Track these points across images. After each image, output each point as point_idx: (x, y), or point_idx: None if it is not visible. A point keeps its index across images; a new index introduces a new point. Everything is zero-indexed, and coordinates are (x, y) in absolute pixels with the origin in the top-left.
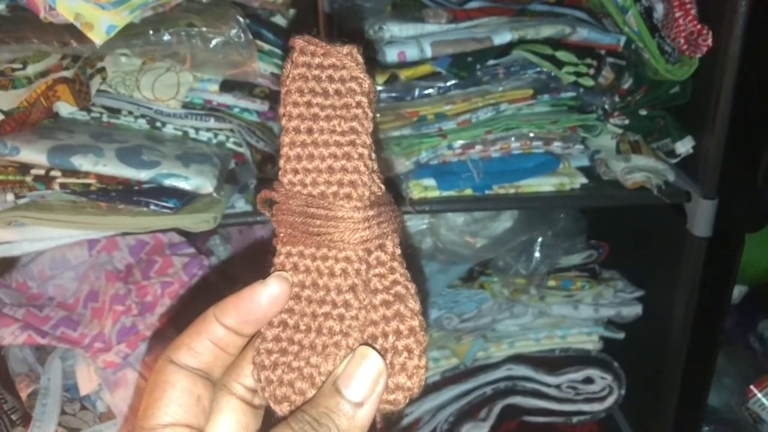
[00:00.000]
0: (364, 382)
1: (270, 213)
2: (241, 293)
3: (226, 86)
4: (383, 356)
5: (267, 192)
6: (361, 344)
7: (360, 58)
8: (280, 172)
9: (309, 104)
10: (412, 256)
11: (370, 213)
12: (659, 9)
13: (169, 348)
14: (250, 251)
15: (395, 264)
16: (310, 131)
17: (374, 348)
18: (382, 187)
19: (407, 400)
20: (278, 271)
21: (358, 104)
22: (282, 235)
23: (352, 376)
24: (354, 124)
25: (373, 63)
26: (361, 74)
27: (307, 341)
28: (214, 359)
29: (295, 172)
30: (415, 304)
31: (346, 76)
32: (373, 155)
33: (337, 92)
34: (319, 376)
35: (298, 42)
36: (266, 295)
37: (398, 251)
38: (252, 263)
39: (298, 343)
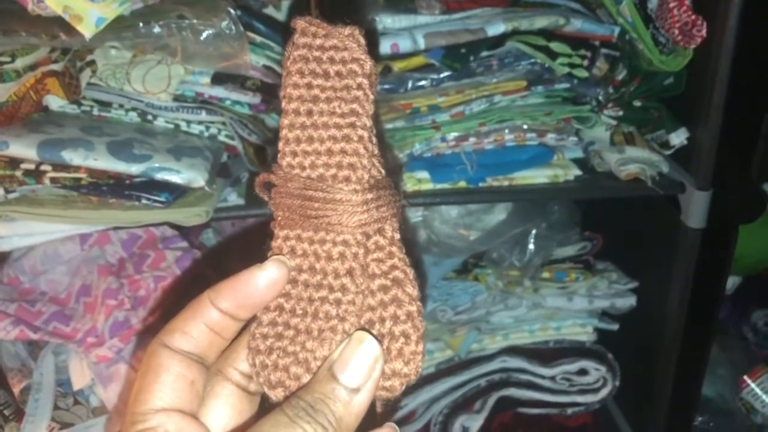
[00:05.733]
0: (361, 367)
1: (268, 196)
2: (238, 276)
3: (218, 79)
4: (380, 342)
5: (265, 175)
6: (357, 329)
7: (362, 40)
8: (279, 155)
9: (309, 86)
10: (410, 246)
11: (369, 196)
12: None
13: (162, 331)
14: (244, 244)
15: (394, 249)
16: (309, 113)
17: (371, 333)
18: (382, 171)
19: (404, 387)
20: (276, 254)
21: (359, 86)
22: (280, 218)
23: (348, 361)
24: (354, 106)
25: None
26: (363, 56)
27: (303, 326)
28: (209, 344)
29: (294, 154)
30: (413, 290)
31: (348, 57)
32: (374, 138)
33: (338, 74)
34: (314, 361)
35: (300, 23)
36: (263, 279)
37: (397, 236)
38: (245, 257)
39: (294, 327)
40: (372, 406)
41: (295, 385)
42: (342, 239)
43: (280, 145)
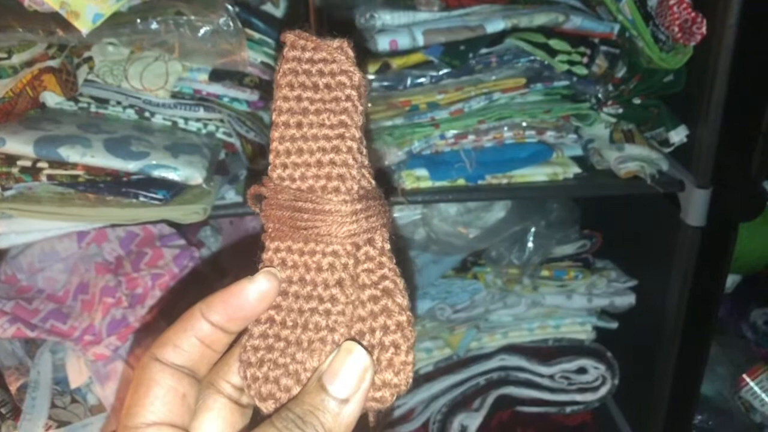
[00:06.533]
0: (350, 378)
1: (259, 208)
2: (229, 289)
3: (216, 76)
4: (370, 352)
5: (256, 187)
6: (347, 340)
7: (350, 52)
8: (269, 167)
9: (299, 98)
10: (401, 249)
11: (358, 207)
12: None
13: (154, 345)
14: (241, 243)
15: (384, 259)
16: (299, 125)
17: (360, 344)
18: (372, 181)
19: (394, 398)
20: (266, 266)
21: (348, 98)
22: (270, 230)
23: (338, 372)
24: (343, 117)
25: (364, 52)
26: (351, 68)
27: (294, 337)
28: (200, 357)
29: (284, 166)
30: (403, 300)
31: (336, 69)
32: (363, 149)
33: (327, 86)
34: (304, 372)
35: (289, 36)
36: (254, 292)
37: (387, 246)
38: (243, 255)
39: (284, 339)
40: (363, 417)
41: (286, 397)
42: (332, 250)
43: (271, 157)
